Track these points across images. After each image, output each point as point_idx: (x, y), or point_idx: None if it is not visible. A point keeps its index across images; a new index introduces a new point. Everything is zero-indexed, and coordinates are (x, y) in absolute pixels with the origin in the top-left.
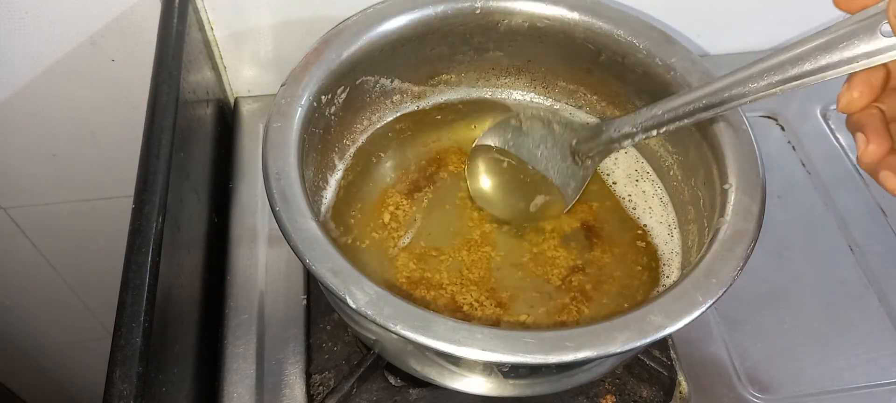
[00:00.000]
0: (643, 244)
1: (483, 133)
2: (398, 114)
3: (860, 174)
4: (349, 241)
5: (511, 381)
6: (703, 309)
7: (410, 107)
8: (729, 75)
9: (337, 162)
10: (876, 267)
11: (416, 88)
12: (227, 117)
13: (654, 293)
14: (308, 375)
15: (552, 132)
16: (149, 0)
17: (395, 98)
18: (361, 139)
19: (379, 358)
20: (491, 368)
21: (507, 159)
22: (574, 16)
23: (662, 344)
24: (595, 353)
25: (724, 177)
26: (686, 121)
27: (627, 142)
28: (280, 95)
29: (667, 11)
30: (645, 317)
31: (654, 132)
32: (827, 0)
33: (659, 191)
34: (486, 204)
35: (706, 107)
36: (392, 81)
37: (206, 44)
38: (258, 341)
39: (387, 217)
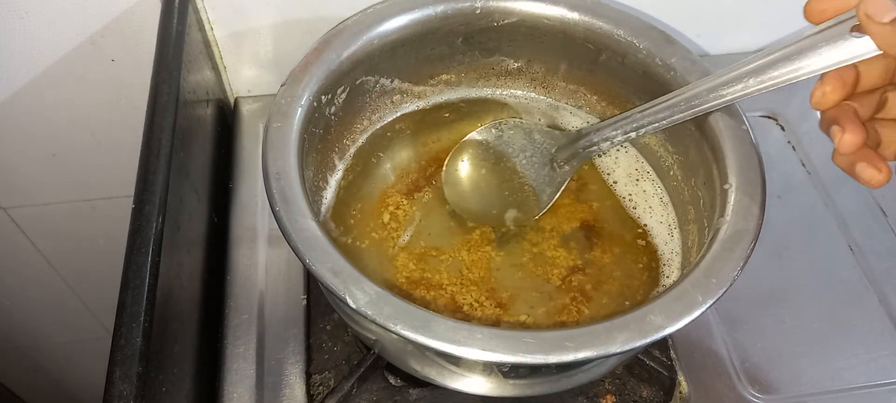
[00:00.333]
0: (643, 244)
1: (463, 139)
2: (398, 114)
3: None
4: (349, 241)
5: (511, 381)
6: (703, 309)
7: (410, 107)
8: (707, 79)
9: (337, 162)
10: (876, 267)
11: (416, 88)
12: (227, 117)
13: (654, 293)
14: (308, 375)
15: (532, 141)
16: (149, 0)
17: (395, 98)
18: (361, 139)
19: (379, 358)
20: (491, 368)
21: (485, 166)
22: (574, 16)
23: (662, 344)
24: (595, 353)
25: (724, 177)
26: (665, 122)
27: (606, 145)
28: (280, 95)
29: (667, 11)
30: (645, 317)
31: (634, 135)
32: None
33: (659, 190)
34: (461, 209)
35: (684, 110)
36: (392, 81)
37: (206, 44)
38: (258, 341)
39: (387, 217)
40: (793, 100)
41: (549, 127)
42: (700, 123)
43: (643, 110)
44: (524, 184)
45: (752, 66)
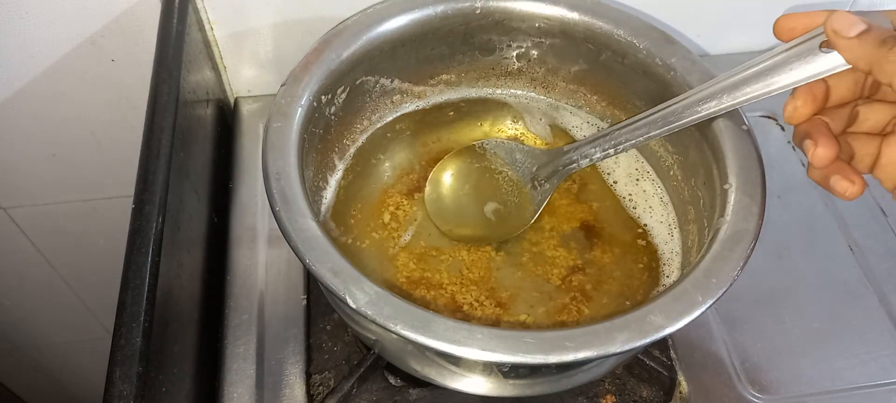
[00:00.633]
0: (643, 244)
1: (445, 157)
2: (398, 114)
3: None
4: (349, 241)
5: (511, 381)
6: (703, 309)
7: (410, 107)
8: (684, 97)
9: (337, 162)
10: (876, 267)
11: (416, 88)
12: (227, 117)
13: (654, 293)
14: (308, 375)
15: (514, 160)
16: (149, 0)
17: (395, 98)
18: (361, 139)
19: (379, 358)
20: (491, 368)
21: (467, 185)
22: (574, 16)
23: (662, 344)
24: (595, 353)
25: (724, 177)
26: (642, 139)
27: (585, 162)
28: (280, 95)
29: (667, 11)
30: (645, 317)
31: (612, 151)
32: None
33: (659, 190)
34: (443, 227)
35: (661, 127)
36: (392, 81)
37: (206, 44)
38: (258, 341)
39: (387, 217)
40: None
41: (528, 146)
42: (700, 123)
43: (621, 128)
44: (506, 202)
45: (726, 82)
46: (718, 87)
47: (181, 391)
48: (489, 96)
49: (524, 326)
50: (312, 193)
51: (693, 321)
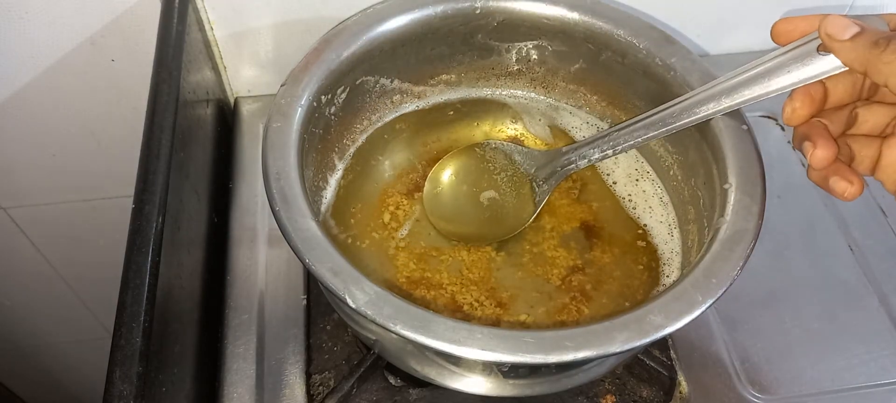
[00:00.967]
0: (643, 244)
1: (444, 158)
2: (398, 114)
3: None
4: (349, 241)
5: (511, 381)
6: (703, 308)
7: (410, 107)
8: (683, 98)
9: (337, 162)
10: (876, 267)
11: (416, 88)
12: (227, 117)
13: (654, 293)
14: (308, 375)
15: (512, 162)
16: (149, 0)
17: (395, 98)
18: (361, 139)
19: (379, 358)
20: (491, 368)
21: (465, 185)
22: (574, 16)
23: (662, 344)
24: (595, 353)
25: (724, 177)
26: (640, 141)
27: (583, 163)
28: (280, 95)
29: (667, 11)
30: (645, 317)
31: (610, 153)
32: (825, 1)
33: (659, 190)
34: (442, 228)
35: (660, 128)
36: (392, 81)
37: (206, 44)
38: (258, 341)
39: (387, 217)
40: None
41: (527, 148)
42: (700, 124)
43: (619, 129)
44: (504, 202)
45: (724, 84)
46: (717, 89)
47: (181, 391)
48: (489, 96)
49: (524, 326)
50: (312, 193)
51: (693, 321)
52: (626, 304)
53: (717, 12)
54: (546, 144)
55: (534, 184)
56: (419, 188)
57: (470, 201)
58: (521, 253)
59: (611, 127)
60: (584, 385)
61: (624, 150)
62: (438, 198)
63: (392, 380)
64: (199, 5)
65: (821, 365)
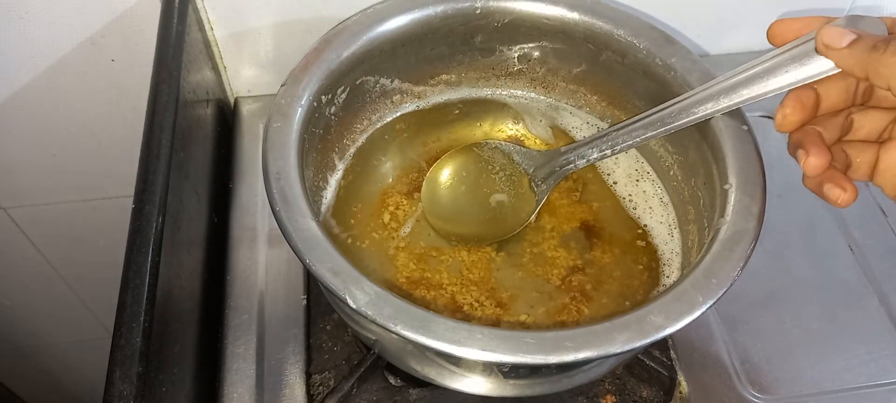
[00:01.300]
0: (643, 244)
1: (442, 157)
2: (398, 114)
3: None
4: (349, 241)
5: (511, 381)
6: (703, 309)
7: (410, 107)
8: (682, 98)
9: (337, 162)
10: (876, 267)
11: (416, 88)
12: (227, 117)
13: (654, 293)
14: (308, 375)
15: (511, 162)
16: (149, 0)
17: (395, 98)
18: (361, 139)
19: (379, 358)
20: (491, 368)
21: (464, 184)
22: (574, 16)
23: (662, 344)
24: (595, 353)
25: (724, 177)
26: (639, 140)
27: (582, 162)
28: (280, 95)
29: (667, 11)
30: (645, 317)
31: (609, 152)
32: (825, 1)
33: (659, 190)
34: (440, 228)
35: (659, 128)
36: (392, 81)
37: (206, 44)
38: (258, 341)
39: (387, 217)
40: None
41: (526, 148)
42: (700, 124)
43: (619, 129)
44: (503, 202)
45: (723, 84)
46: (715, 89)
47: (181, 391)
48: (489, 96)
49: (524, 326)
50: (312, 193)
51: (693, 321)
52: (627, 304)
53: (717, 12)
54: (547, 144)
55: (532, 183)
56: (419, 188)
57: (468, 201)
58: (521, 253)
59: (610, 127)
60: (584, 385)
61: (623, 150)
62: (437, 198)
63: (392, 380)
64: (199, 5)
65: (821, 365)
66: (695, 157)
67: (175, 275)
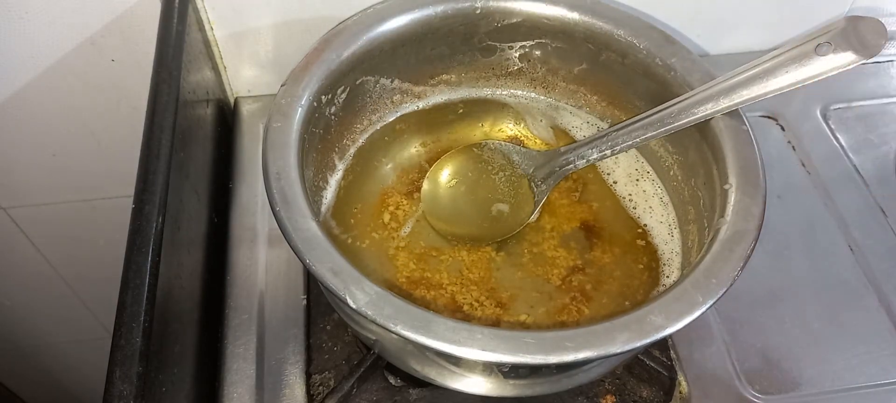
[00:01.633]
0: (643, 244)
1: (442, 157)
2: (398, 115)
3: (860, 174)
4: (349, 241)
5: (511, 381)
6: (703, 309)
7: (410, 107)
8: (682, 99)
9: (337, 162)
10: (876, 267)
11: (416, 88)
12: (227, 117)
13: (654, 293)
14: (308, 375)
15: (510, 162)
16: (149, 0)
17: (395, 98)
18: (361, 139)
19: (379, 358)
20: (491, 368)
21: (464, 185)
22: (574, 16)
23: (662, 344)
24: (595, 353)
25: (724, 177)
26: (639, 141)
27: (582, 162)
28: (280, 95)
29: (667, 11)
30: (645, 318)
31: (609, 153)
32: (825, 1)
33: (659, 190)
34: (440, 228)
35: (658, 128)
36: (392, 81)
37: (206, 44)
38: (258, 341)
39: (387, 217)
40: (793, 101)
41: (525, 148)
42: (700, 124)
43: (618, 129)
44: (502, 202)
45: (723, 84)
46: (715, 89)
47: (181, 391)
48: (489, 96)
49: (524, 326)
50: (312, 193)
51: (693, 321)
52: (627, 304)
53: (717, 12)
54: (547, 144)
55: (532, 183)
56: (419, 188)
57: (468, 201)
58: (521, 253)
59: (610, 127)
60: (584, 385)
61: (622, 150)
62: (437, 199)
63: (392, 380)
64: (199, 5)
65: (821, 365)
66: (695, 157)
67: (175, 275)
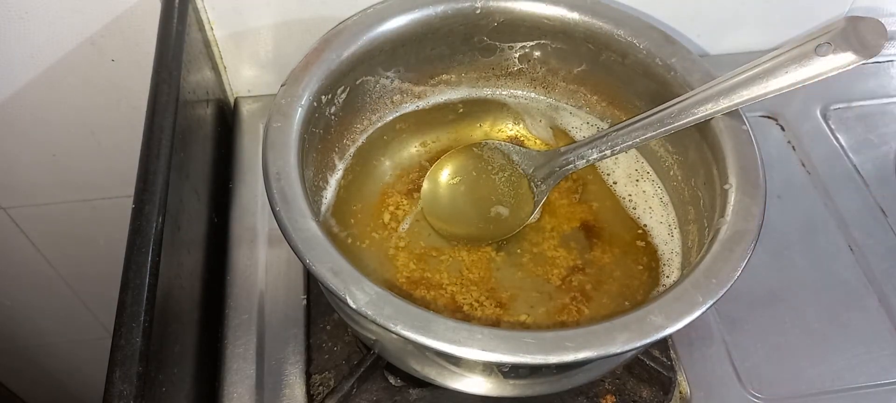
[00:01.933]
0: (643, 244)
1: (442, 157)
2: (398, 114)
3: (860, 174)
4: (349, 241)
5: (511, 381)
6: (703, 309)
7: (410, 107)
8: (681, 99)
9: (337, 162)
10: (876, 267)
11: (416, 88)
12: (227, 117)
13: (654, 293)
14: (308, 375)
15: (510, 162)
16: (149, 0)
17: (395, 98)
18: (361, 139)
19: (379, 358)
20: (491, 368)
21: (463, 184)
22: (574, 16)
23: (662, 344)
24: (595, 353)
25: (724, 177)
26: (639, 141)
27: (581, 163)
28: (280, 95)
29: (667, 11)
30: (645, 318)
31: (609, 153)
32: (825, 1)
33: (659, 191)
34: (440, 228)
35: (658, 129)
36: (392, 81)
37: (206, 44)
38: (258, 341)
39: (387, 217)
40: (793, 101)
41: (525, 148)
42: (700, 124)
43: (618, 129)
44: (502, 202)
45: (723, 84)
46: (715, 90)
47: (181, 391)
48: (489, 96)
49: (524, 326)
50: (312, 193)
51: (693, 321)
52: (627, 304)
53: (717, 12)
54: (547, 144)
55: (532, 184)
56: (419, 188)
57: (468, 201)
58: (521, 253)
59: (610, 127)
60: (584, 386)
61: (622, 151)
62: (437, 198)
63: (392, 380)
64: (199, 5)
65: (821, 365)
66: (695, 157)
67: (175, 275)
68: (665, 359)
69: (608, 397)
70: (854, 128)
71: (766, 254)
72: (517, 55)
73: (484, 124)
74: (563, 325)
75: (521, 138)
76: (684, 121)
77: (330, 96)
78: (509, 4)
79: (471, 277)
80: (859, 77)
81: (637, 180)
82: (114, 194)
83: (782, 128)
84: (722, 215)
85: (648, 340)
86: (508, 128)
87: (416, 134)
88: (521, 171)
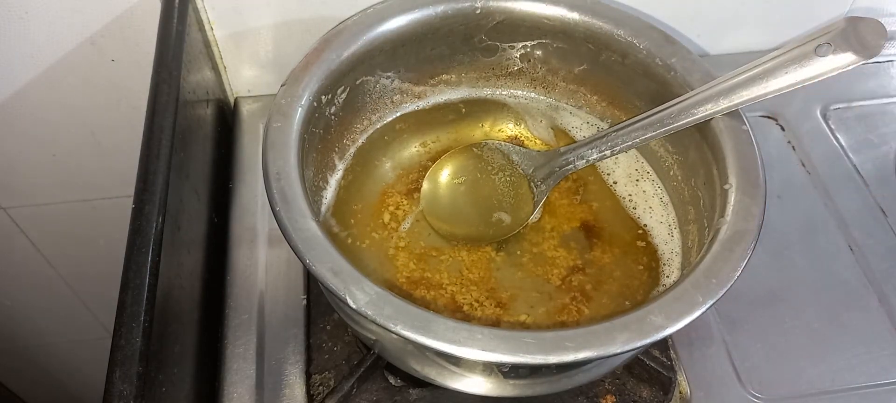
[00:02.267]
0: (643, 244)
1: (442, 157)
2: (398, 114)
3: (860, 174)
4: (349, 241)
5: (511, 381)
6: (703, 309)
7: (410, 107)
8: (681, 99)
9: (337, 162)
10: (876, 267)
11: (416, 88)
12: (227, 117)
13: (654, 293)
14: (308, 375)
15: (510, 162)
16: (149, 0)
17: (395, 98)
18: (361, 139)
19: (379, 358)
20: (491, 368)
21: (463, 185)
22: (574, 16)
23: (662, 344)
24: (595, 354)
25: (724, 177)
26: (639, 141)
27: (581, 163)
28: (280, 95)
29: (667, 11)
30: (645, 318)
31: (609, 153)
32: (825, 1)
33: (659, 191)
34: (439, 228)
35: (658, 129)
36: (392, 81)
37: (206, 44)
38: (258, 341)
39: (387, 217)
40: (793, 101)
41: (525, 148)
42: (700, 124)
43: (618, 130)
44: (502, 203)
45: (723, 85)
46: (715, 90)
47: (181, 391)
48: (489, 96)
49: (524, 326)
50: (312, 193)
51: (693, 321)
52: (627, 304)
53: (717, 12)
54: (547, 145)
55: (532, 184)
56: (419, 188)
57: (468, 201)
58: (521, 253)
59: (610, 127)
60: (584, 386)
61: (622, 151)
62: (437, 198)
63: (392, 380)
64: (199, 5)
65: (821, 365)
66: (695, 157)
67: (175, 275)
68: (665, 359)
69: (608, 397)
70: (854, 128)
71: (766, 254)
72: (517, 55)
73: (484, 124)
74: (563, 325)
75: (522, 138)
76: (684, 121)
77: (330, 96)
78: (509, 4)
79: (471, 277)
80: (859, 77)
81: (637, 180)
82: (114, 194)
83: (782, 128)
84: (722, 215)
85: (648, 340)
86: (508, 128)
87: (416, 134)
88: (521, 171)
